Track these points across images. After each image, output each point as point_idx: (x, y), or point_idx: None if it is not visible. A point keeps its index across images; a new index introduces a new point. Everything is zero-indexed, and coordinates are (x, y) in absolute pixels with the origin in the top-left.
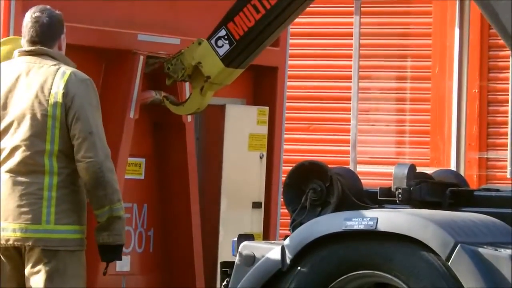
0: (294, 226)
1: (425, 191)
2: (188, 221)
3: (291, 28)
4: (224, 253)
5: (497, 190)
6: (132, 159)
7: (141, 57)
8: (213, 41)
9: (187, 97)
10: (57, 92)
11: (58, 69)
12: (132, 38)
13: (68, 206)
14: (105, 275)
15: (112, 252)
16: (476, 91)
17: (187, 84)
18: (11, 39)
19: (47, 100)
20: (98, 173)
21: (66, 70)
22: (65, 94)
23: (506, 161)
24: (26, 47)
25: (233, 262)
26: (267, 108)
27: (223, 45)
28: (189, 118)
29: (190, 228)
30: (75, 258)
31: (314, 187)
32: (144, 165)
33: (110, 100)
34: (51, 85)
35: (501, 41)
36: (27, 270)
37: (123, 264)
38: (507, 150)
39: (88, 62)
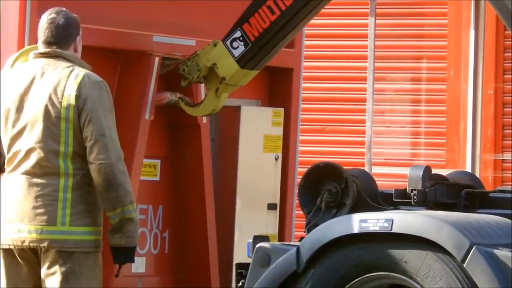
0: (309, 227)
1: (440, 192)
2: (203, 223)
3: (306, 30)
4: (239, 255)
5: None
6: (147, 160)
7: (157, 59)
8: (228, 43)
9: (202, 98)
10: (70, 94)
11: (71, 71)
12: (147, 39)
13: (83, 208)
14: (118, 277)
15: (124, 254)
16: (491, 92)
17: (202, 85)
18: (31, 48)
19: (60, 102)
20: (110, 175)
21: (80, 72)
22: (77, 96)
23: None
24: (41, 48)
25: (248, 264)
26: (282, 109)
27: (238, 47)
28: (204, 119)
29: (205, 229)
30: (90, 259)
31: (329, 188)
32: (160, 166)
33: (125, 102)
34: (64, 87)
35: None
36: (43, 271)
37: (139, 266)
38: None
39: (103, 63)
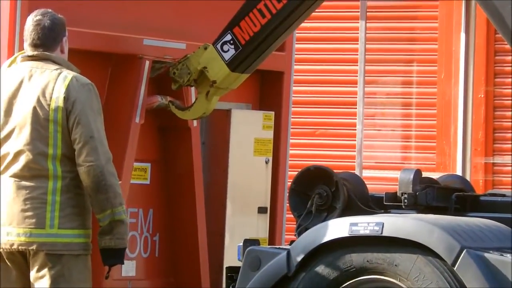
0: (299, 231)
1: (431, 196)
2: (193, 226)
3: (297, 33)
4: (230, 258)
5: (503, 195)
6: (137, 164)
7: (147, 62)
8: (218, 46)
9: (192, 102)
10: (58, 96)
11: (60, 73)
12: (138, 42)
13: (72, 210)
14: (108, 279)
15: (114, 256)
16: (482, 96)
17: (193, 89)
18: None
19: (49, 105)
20: (99, 176)
21: (68, 75)
22: (66, 99)
23: None
24: (28, 51)
25: (238, 267)
26: (272, 113)
27: (228, 50)
28: (195, 122)
29: (195, 233)
30: (80, 262)
31: (319, 192)
32: (150, 170)
33: (116, 105)
34: (53, 90)
35: (507, 46)
36: (32, 274)
37: (129, 269)
38: None
39: (93, 66)
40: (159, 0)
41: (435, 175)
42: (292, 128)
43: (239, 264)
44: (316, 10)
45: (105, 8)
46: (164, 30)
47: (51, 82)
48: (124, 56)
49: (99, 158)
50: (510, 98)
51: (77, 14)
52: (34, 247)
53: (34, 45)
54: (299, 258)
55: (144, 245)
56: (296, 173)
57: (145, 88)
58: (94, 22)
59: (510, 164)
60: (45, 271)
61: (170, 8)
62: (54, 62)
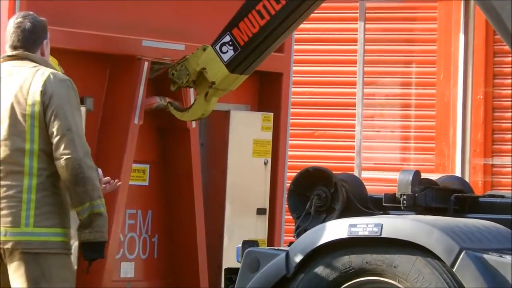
0: (298, 232)
1: (430, 197)
2: (192, 228)
3: (296, 34)
4: (229, 259)
5: (502, 197)
6: (136, 165)
7: (146, 63)
8: (217, 47)
9: (191, 103)
10: (35, 91)
11: (37, 70)
12: (136, 44)
13: (49, 209)
14: (87, 273)
15: (94, 250)
16: (481, 97)
17: (191, 90)
18: None
19: (26, 99)
20: (77, 169)
21: (46, 71)
22: (43, 93)
23: (511, 167)
24: (8, 51)
25: (237, 269)
26: (271, 114)
27: (227, 51)
28: (194, 124)
29: (194, 234)
30: (57, 261)
31: (318, 193)
32: (149, 171)
33: (114, 106)
34: (30, 85)
35: (506, 47)
36: (10, 273)
37: (128, 270)
38: (511, 156)
39: (92, 67)
40: (158, 1)
41: (434, 176)
42: (291, 129)
43: (238, 265)
44: (315, 11)
45: (103, 9)
46: (163, 31)
47: (29, 78)
48: (123, 57)
49: (77, 150)
50: (509, 99)
51: (76, 15)
52: (9, 245)
53: (14, 47)
54: (298, 259)
55: (143, 246)
56: (295, 174)
57: (144, 89)
58: (93, 23)
59: (509, 165)
60: (22, 269)
61: (169, 9)
62: (33, 61)
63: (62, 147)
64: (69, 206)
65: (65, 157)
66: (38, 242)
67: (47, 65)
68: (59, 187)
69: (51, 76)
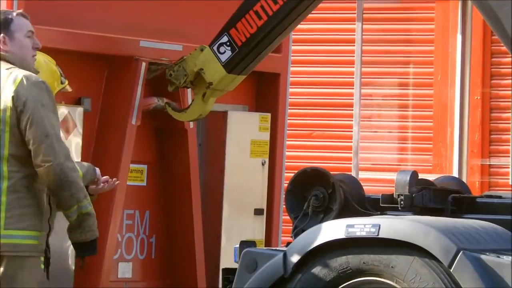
0: (296, 233)
1: (427, 197)
2: (190, 228)
3: (293, 35)
4: (226, 260)
5: (499, 197)
6: (134, 165)
7: (143, 64)
8: (215, 48)
9: (189, 103)
10: (6, 96)
11: (10, 73)
12: (134, 44)
13: (20, 211)
14: (82, 268)
15: (87, 249)
16: (478, 97)
17: (189, 90)
18: None
19: None
20: (60, 175)
21: (19, 74)
22: (14, 98)
23: (509, 167)
24: None
25: (235, 269)
26: (269, 114)
27: (225, 52)
28: (191, 124)
29: (192, 234)
30: (27, 264)
31: (316, 193)
32: (146, 171)
33: (112, 107)
34: (1, 89)
35: (504, 48)
36: None
37: (125, 271)
38: (509, 156)
39: (90, 68)
40: (155, 1)
41: (431, 177)
42: (288, 130)
43: (236, 265)
44: (313, 12)
45: (101, 10)
46: (161, 31)
47: (2, 81)
48: (120, 58)
49: (57, 156)
50: (506, 100)
51: (73, 15)
52: None
53: None
54: (295, 260)
55: (141, 247)
56: (292, 174)
57: (142, 90)
58: (91, 24)
59: (506, 166)
60: None
61: (166, 9)
62: (7, 61)
63: (42, 154)
64: (45, 208)
65: (46, 164)
66: (9, 244)
67: (23, 64)
68: (34, 189)
69: (24, 80)
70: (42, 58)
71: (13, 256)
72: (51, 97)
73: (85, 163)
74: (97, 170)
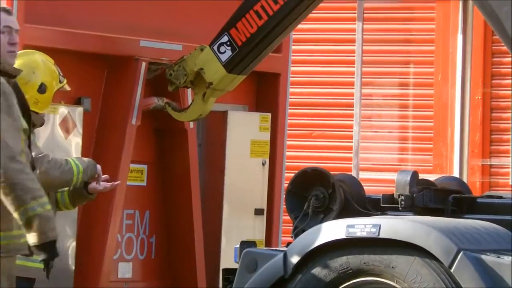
0: (296, 233)
1: (428, 198)
2: (190, 228)
3: (294, 34)
4: (226, 260)
5: (500, 197)
6: (134, 165)
7: (143, 64)
8: (215, 47)
9: (189, 103)
10: None
11: None
12: (134, 44)
13: None
14: (49, 278)
15: (45, 251)
16: (479, 97)
17: (189, 90)
18: (23, 52)
19: None
20: (2, 177)
21: None
22: None
23: (509, 168)
24: None
25: (235, 269)
26: (269, 114)
27: (225, 51)
28: (191, 124)
29: (192, 234)
30: None
31: (316, 194)
32: (146, 171)
33: (112, 107)
34: None
35: (504, 48)
36: None
37: (125, 271)
38: (510, 157)
39: (90, 68)
40: (155, 1)
41: (432, 177)
42: (288, 130)
43: (236, 265)
44: (313, 12)
45: (101, 10)
46: (161, 31)
47: None
48: (120, 58)
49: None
50: (507, 99)
51: (73, 15)
52: None
53: None
54: (295, 260)
55: (141, 247)
56: (293, 175)
57: (142, 90)
58: (91, 24)
59: (507, 166)
60: None
61: (166, 9)
62: None
63: None
64: (7, 209)
65: None
66: None
67: None
68: None
69: None
70: (40, 58)
71: None
72: (4, 97)
73: (85, 159)
74: (98, 166)
